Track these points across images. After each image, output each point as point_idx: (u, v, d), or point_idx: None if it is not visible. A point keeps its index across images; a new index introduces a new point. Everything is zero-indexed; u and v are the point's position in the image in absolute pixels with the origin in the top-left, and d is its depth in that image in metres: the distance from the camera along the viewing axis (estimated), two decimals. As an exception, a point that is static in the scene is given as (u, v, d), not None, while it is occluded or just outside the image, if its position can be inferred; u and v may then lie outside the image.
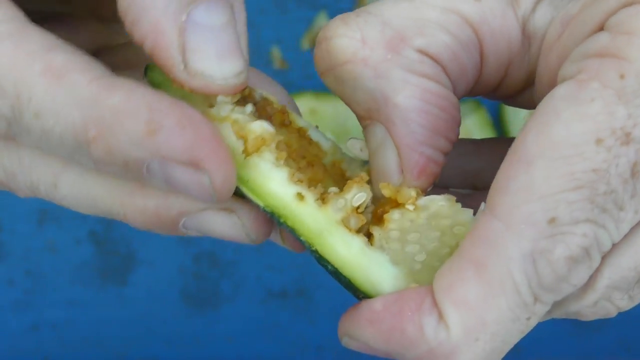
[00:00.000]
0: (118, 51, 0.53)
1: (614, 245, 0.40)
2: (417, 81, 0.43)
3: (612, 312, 0.43)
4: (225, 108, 0.45)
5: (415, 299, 0.42)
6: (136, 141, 0.40)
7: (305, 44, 0.99)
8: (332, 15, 1.02)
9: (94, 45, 0.52)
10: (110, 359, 0.95)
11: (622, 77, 0.39)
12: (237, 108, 0.45)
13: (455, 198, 0.44)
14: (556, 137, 0.39)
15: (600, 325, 0.95)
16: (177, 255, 0.95)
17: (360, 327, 0.43)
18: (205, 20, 0.41)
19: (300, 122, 0.48)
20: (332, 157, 0.48)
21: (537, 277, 0.39)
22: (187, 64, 0.41)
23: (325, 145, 0.48)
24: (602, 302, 0.42)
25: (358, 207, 0.45)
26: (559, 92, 0.40)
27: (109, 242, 0.95)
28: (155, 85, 0.45)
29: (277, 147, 0.45)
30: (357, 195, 0.44)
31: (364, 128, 0.45)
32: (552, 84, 0.42)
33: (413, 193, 0.44)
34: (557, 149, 0.39)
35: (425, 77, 0.43)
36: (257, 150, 0.44)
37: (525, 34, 0.44)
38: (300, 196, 0.44)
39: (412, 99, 0.43)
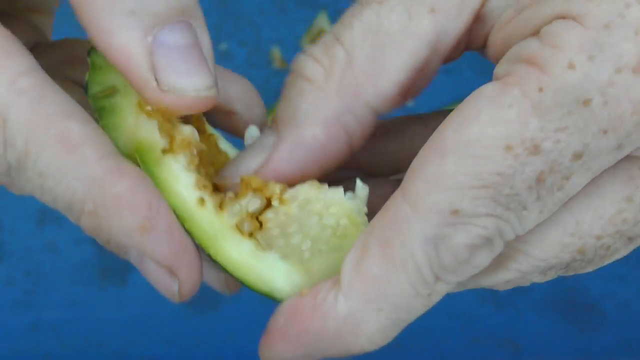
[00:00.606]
0: (58, 46, 0.53)
1: (524, 237, 0.42)
2: (334, 123, 0.45)
3: (526, 284, 0.45)
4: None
5: (309, 299, 0.43)
6: (127, 232, 0.42)
7: (305, 44, 0.99)
8: (332, 15, 1.02)
9: (33, 40, 0.52)
10: (110, 358, 0.95)
11: (540, 90, 0.39)
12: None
13: (318, 181, 0.46)
14: (470, 136, 0.40)
15: (600, 325, 0.95)
16: (177, 255, 0.95)
17: (274, 347, 0.44)
18: (171, 41, 0.42)
19: (211, 130, 0.50)
20: None
21: (438, 260, 0.41)
22: (159, 81, 0.42)
23: (232, 154, 0.49)
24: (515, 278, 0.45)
25: (253, 213, 0.46)
26: (486, 91, 0.41)
27: (109, 242, 0.95)
28: (97, 67, 0.46)
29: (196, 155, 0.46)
30: (252, 200, 0.46)
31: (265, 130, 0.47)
32: (494, 59, 0.44)
33: (277, 189, 0.46)
34: (469, 147, 0.40)
35: (344, 129, 0.45)
36: (177, 151, 0.45)
37: (480, 14, 0.45)
38: (201, 201, 0.45)
39: (315, 137, 0.45)
